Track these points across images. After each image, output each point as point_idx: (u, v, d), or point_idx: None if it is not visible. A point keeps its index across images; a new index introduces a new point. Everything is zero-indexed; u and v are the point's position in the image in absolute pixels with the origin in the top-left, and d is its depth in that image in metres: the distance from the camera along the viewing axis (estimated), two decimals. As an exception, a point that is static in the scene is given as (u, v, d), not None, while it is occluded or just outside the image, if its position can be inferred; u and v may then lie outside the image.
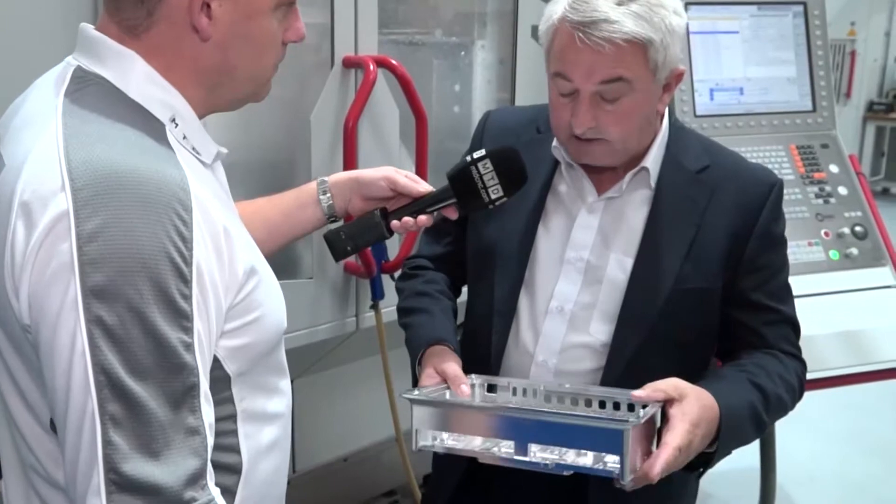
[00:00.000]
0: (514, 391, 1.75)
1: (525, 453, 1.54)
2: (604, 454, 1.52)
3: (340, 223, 1.71)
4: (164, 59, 1.23)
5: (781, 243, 1.84)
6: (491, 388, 1.76)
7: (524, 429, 1.53)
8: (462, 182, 1.63)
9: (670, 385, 1.59)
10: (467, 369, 1.76)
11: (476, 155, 1.63)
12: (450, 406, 1.64)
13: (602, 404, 1.68)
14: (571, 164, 1.82)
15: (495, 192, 1.63)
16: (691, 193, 1.79)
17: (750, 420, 1.71)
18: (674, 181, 1.79)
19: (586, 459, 1.54)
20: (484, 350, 1.88)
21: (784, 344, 1.84)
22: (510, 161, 1.64)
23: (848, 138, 8.35)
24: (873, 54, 10.06)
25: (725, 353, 1.88)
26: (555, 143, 1.83)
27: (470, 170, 1.62)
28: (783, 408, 1.80)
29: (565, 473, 1.53)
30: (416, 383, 1.81)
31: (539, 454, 1.54)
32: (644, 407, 1.57)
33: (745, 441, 1.73)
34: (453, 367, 1.73)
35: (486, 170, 1.62)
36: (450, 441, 1.63)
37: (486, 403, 1.68)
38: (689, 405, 1.57)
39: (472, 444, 1.61)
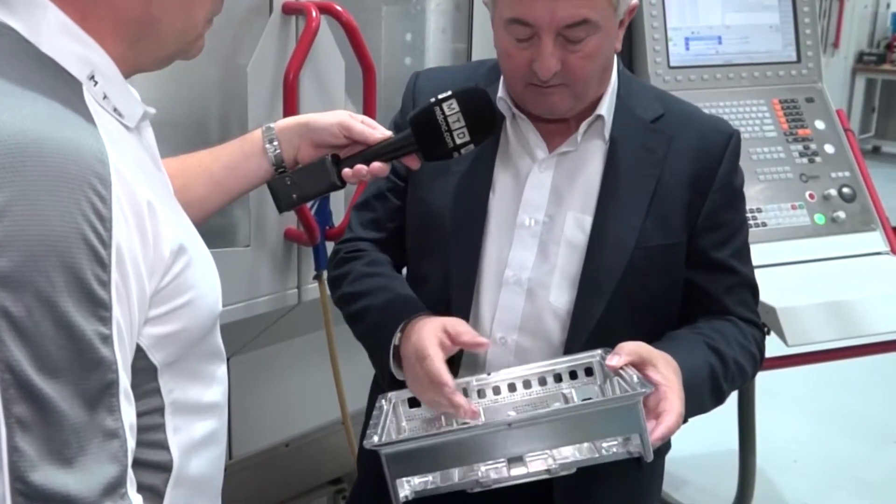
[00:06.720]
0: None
1: (523, 465, 1.52)
2: (616, 437, 1.54)
3: None
4: (78, 6, 1.17)
5: (741, 199, 1.89)
6: (413, 403, 1.73)
7: (519, 440, 1.50)
8: (424, 125, 1.61)
9: (641, 348, 1.63)
10: None
11: (441, 95, 1.60)
12: (430, 440, 1.52)
13: (557, 378, 1.73)
14: (516, 116, 1.82)
15: (461, 136, 1.60)
16: (648, 143, 1.81)
17: (708, 383, 1.76)
18: (628, 131, 1.81)
19: (597, 450, 1.55)
20: None
21: (742, 310, 1.89)
22: (479, 102, 1.62)
23: (835, 92, 8.42)
24: (864, 0, 10.11)
25: (681, 318, 1.91)
26: (500, 94, 1.83)
27: (434, 110, 1.60)
28: (742, 374, 1.85)
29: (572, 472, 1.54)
30: (390, 383, 1.78)
31: (534, 464, 1.53)
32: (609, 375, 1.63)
33: (703, 408, 1.78)
34: (464, 324, 1.71)
35: (452, 111, 1.59)
36: (430, 480, 1.56)
37: (474, 424, 1.57)
38: (665, 370, 1.61)
39: (453, 477, 1.55)
